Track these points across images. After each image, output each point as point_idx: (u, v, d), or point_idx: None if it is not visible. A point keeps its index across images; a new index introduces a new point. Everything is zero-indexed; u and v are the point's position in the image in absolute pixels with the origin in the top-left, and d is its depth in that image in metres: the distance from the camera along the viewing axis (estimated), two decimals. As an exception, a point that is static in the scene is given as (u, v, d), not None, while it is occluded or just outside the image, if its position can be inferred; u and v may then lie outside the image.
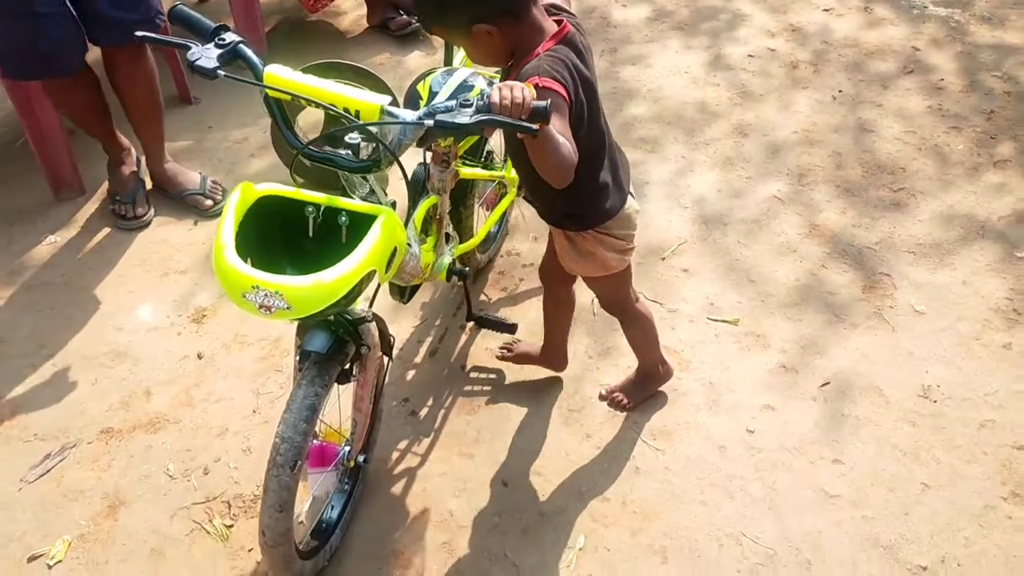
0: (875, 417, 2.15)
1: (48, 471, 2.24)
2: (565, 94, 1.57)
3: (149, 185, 3.09)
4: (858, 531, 1.93)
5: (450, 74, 2.00)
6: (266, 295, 1.42)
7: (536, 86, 1.52)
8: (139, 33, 1.61)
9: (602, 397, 2.27)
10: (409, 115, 1.49)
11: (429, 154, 2.04)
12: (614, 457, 2.14)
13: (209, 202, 2.98)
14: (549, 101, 1.41)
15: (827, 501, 1.99)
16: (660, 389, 2.25)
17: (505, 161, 2.47)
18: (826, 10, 3.59)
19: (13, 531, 2.10)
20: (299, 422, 1.62)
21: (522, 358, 2.35)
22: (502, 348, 2.38)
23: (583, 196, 1.83)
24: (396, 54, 3.64)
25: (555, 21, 1.70)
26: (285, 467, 1.61)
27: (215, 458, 2.24)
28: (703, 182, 2.86)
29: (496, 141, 2.45)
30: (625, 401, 2.24)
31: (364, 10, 3.81)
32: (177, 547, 2.06)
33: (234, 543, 2.05)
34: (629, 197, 1.91)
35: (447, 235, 2.21)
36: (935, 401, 2.17)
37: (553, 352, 2.29)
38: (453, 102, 1.40)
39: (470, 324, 2.48)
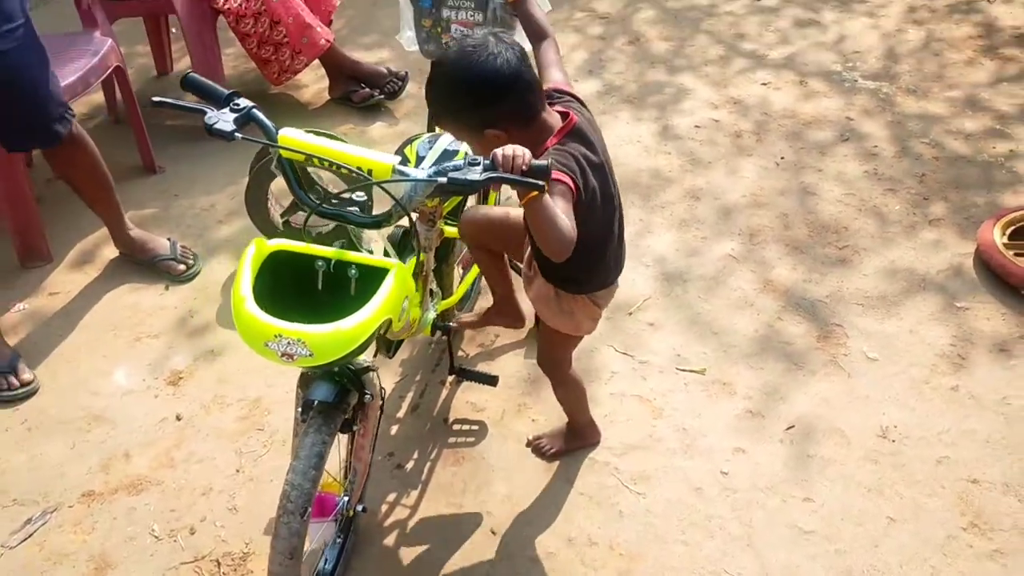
0: (839, 457, 2.28)
1: (30, 535, 2.21)
2: (572, 184, 1.69)
3: (115, 254, 3.11)
4: (832, 564, 2.04)
5: (434, 140, 2.12)
6: (288, 343, 1.48)
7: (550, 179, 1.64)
8: (155, 99, 1.68)
9: (529, 443, 2.36)
10: (421, 173, 1.59)
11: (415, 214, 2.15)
12: (598, 503, 2.21)
13: (182, 267, 3.01)
14: (550, 160, 1.54)
15: (801, 537, 2.10)
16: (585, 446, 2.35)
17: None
18: (764, 84, 3.85)
19: (-5, 599, 2.07)
20: (308, 469, 1.67)
21: (482, 319, 2.47)
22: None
23: (591, 264, 1.96)
24: (359, 125, 3.76)
25: (560, 112, 1.83)
26: (295, 514, 1.65)
27: (201, 517, 2.24)
28: (662, 242, 3.02)
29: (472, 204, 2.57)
30: (549, 448, 2.33)
31: (326, 83, 3.93)
32: (167, 607, 2.05)
33: (226, 601, 2.05)
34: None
35: (431, 291, 2.30)
36: (893, 440, 2.31)
37: (506, 308, 2.38)
38: (465, 161, 1.51)
39: (450, 378, 2.55)
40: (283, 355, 1.49)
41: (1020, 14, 4.19)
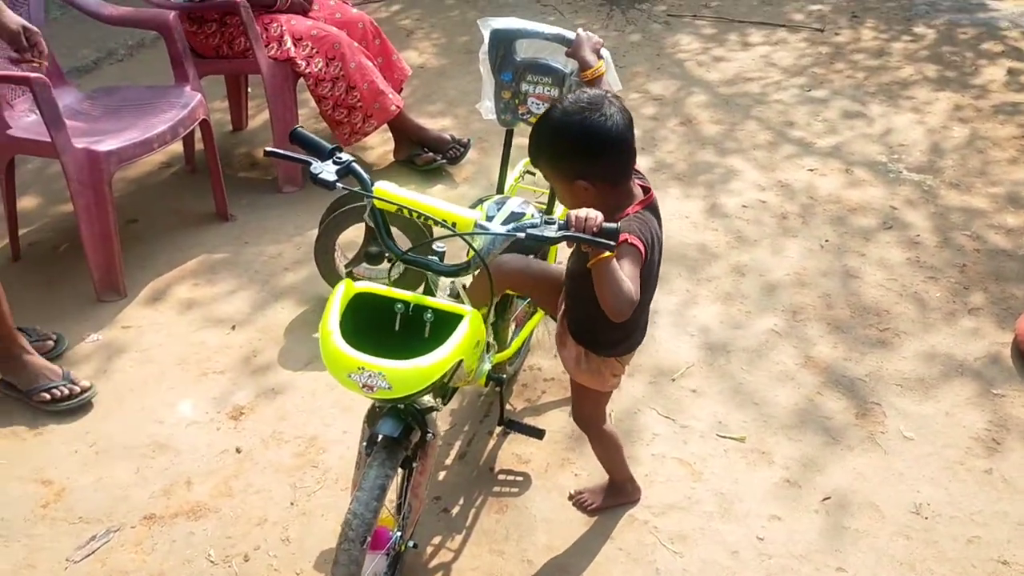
0: (873, 530, 2.34)
1: (93, 552, 2.33)
2: (643, 250, 1.85)
3: (188, 294, 3.30)
4: (864, 633, 2.09)
5: (503, 202, 2.28)
6: (370, 375, 1.62)
7: (624, 240, 1.79)
8: (268, 149, 1.86)
9: (571, 496, 2.45)
10: (501, 228, 1.74)
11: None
12: (636, 559, 2.29)
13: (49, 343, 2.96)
14: (619, 225, 1.68)
15: (834, 605, 2.16)
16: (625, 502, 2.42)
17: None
18: (811, 170, 3.99)
19: (59, 608, 2.18)
20: (371, 500, 1.78)
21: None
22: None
23: (628, 329, 2.10)
24: (421, 186, 3.95)
25: (642, 187, 1.99)
26: (356, 542, 1.76)
27: (255, 546, 2.35)
28: (707, 313, 3.14)
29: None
30: (590, 503, 2.41)
31: (391, 146, 4.15)
32: (220, 628, 2.15)
33: (275, 626, 2.15)
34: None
35: (488, 344, 2.44)
36: (926, 518, 2.37)
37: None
38: (539, 219, 1.66)
39: (498, 429, 2.66)
40: (364, 386, 1.63)
41: (1064, 117, 4.32)
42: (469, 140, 4.09)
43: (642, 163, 4.04)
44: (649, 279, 1.98)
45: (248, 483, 2.54)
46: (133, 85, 3.97)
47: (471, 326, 1.74)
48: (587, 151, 1.84)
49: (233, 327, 3.16)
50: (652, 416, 2.73)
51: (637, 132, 4.24)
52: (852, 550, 2.29)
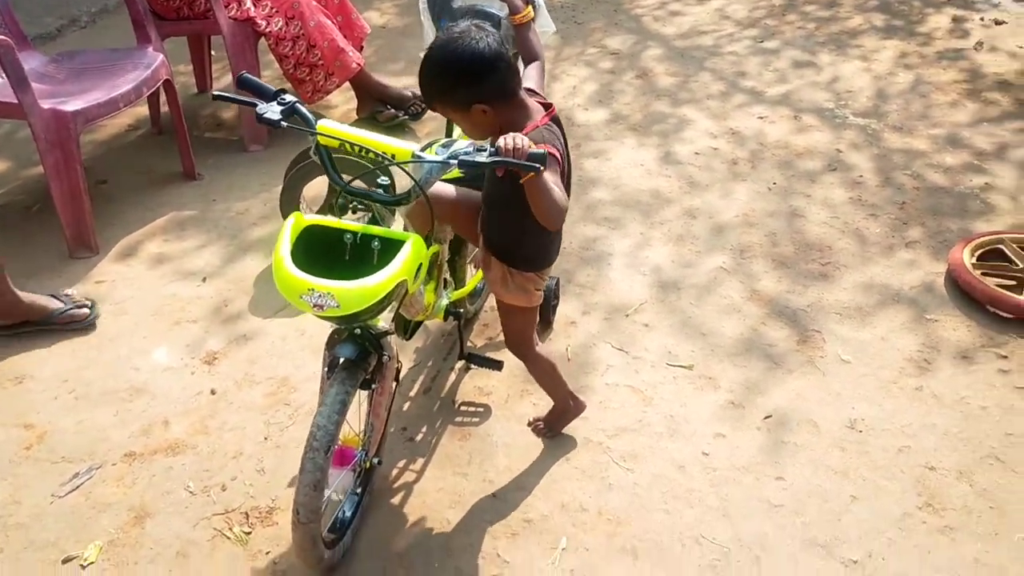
0: (810, 444, 2.52)
1: (77, 487, 2.46)
2: (559, 157, 1.98)
3: (158, 248, 3.39)
4: (799, 533, 2.27)
5: (451, 143, 2.40)
6: (320, 296, 1.76)
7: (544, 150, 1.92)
8: (215, 93, 1.98)
9: (529, 423, 2.61)
10: (436, 157, 1.87)
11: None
12: (590, 476, 2.45)
13: (84, 311, 3.04)
14: (545, 150, 1.81)
15: (772, 510, 2.33)
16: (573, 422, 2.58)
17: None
18: (761, 118, 4.13)
19: (47, 538, 2.31)
20: (332, 414, 1.92)
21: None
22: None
23: (543, 244, 2.25)
24: (384, 142, 4.05)
25: (543, 103, 2.12)
26: (320, 450, 1.90)
27: (231, 477, 2.49)
28: (659, 254, 3.29)
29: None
30: (545, 429, 2.58)
31: (355, 103, 4.24)
32: (200, 551, 2.29)
33: (252, 547, 2.29)
34: None
35: (445, 280, 2.57)
36: (860, 431, 2.55)
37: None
38: (471, 147, 1.79)
39: (459, 364, 2.80)
40: (315, 305, 1.77)
41: (1003, 62, 4.47)
42: (430, 96, 4.18)
43: (599, 115, 4.18)
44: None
45: (223, 421, 2.67)
46: (96, 48, 4.03)
47: (413, 249, 1.87)
48: (471, 74, 1.95)
49: (204, 279, 3.27)
50: (607, 349, 2.88)
51: (593, 86, 4.36)
52: (790, 462, 2.46)
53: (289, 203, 3.17)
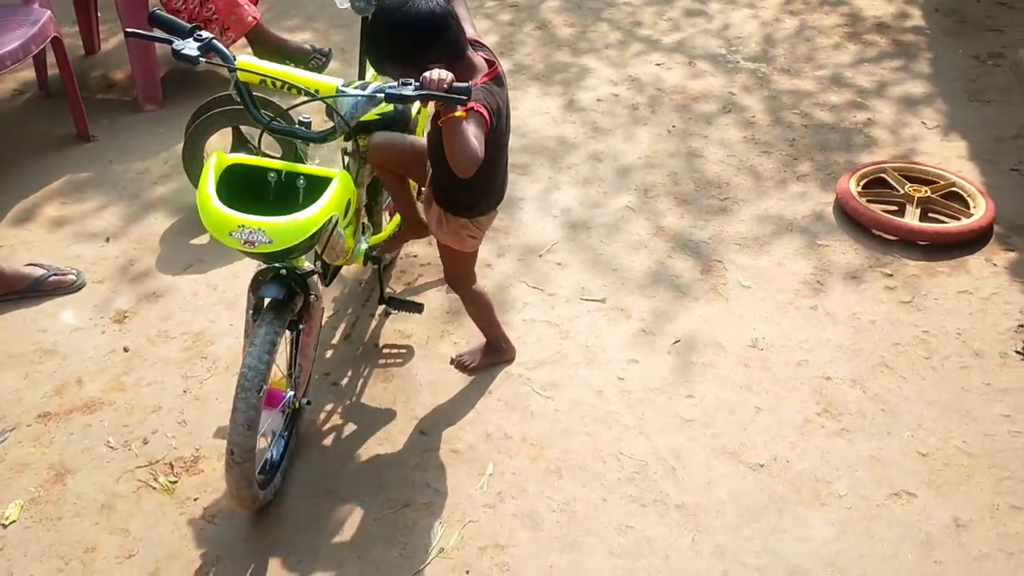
0: (716, 363, 2.66)
1: (-9, 450, 2.40)
2: (488, 116, 2.02)
3: (57, 212, 3.28)
4: (709, 443, 2.41)
5: (366, 85, 2.41)
6: (251, 232, 1.76)
7: (471, 108, 1.95)
8: (129, 30, 1.93)
9: (452, 360, 2.67)
10: (363, 92, 1.89)
11: (347, 158, 2.45)
12: (513, 406, 2.53)
13: (70, 277, 2.98)
14: (471, 83, 1.85)
15: (684, 424, 2.46)
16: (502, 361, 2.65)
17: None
18: (658, 65, 4.25)
19: (-37, 500, 2.26)
20: (262, 354, 1.94)
21: (396, 240, 2.72)
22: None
23: (477, 194, 2.30)
24: (284, 100, 3.99)
25: (487, 60, 2.16)
26: (252, 390, 1.92)
27: (152, 430, 2.47)
28: (568, 197, 3.38)
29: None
30: (470, 363, 2.64)
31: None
32: (126, 502, 2.28)
33: (179, 495, 2.29)
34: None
35: (364, 225, 2.60)
36: (762, 349, 2.70)
37: (411, 223, 2.65)
38: (397, 82, 1.82)
39: (380, 310, 2.84)
40: (245, 242, 1.77)
41: (881, 5, 4.71)
42: (330, 49, 4.15)
43: (502, 66, 4.21)
44: (498, 146, 2.17)
45: (139, 377, 2.64)
46: (-27, 7, 3.83)
47: (340, 184, 1.89)
48: (425, 36, 1.98)
49: (107, 240, 3.19)
50: (523, 288, 2.95)
51: (494, 38, 4.39)
52: (699, 380, 2.60)
53: (192, 158, 3.12)
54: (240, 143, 3.05)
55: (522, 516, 2.23)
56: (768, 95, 3.99)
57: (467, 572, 2.11)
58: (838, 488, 2.29)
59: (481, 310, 2.58)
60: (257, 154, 1.99)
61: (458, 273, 2.51)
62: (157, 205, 3.36)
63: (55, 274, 2.93)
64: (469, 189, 2.19)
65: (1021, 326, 2.75)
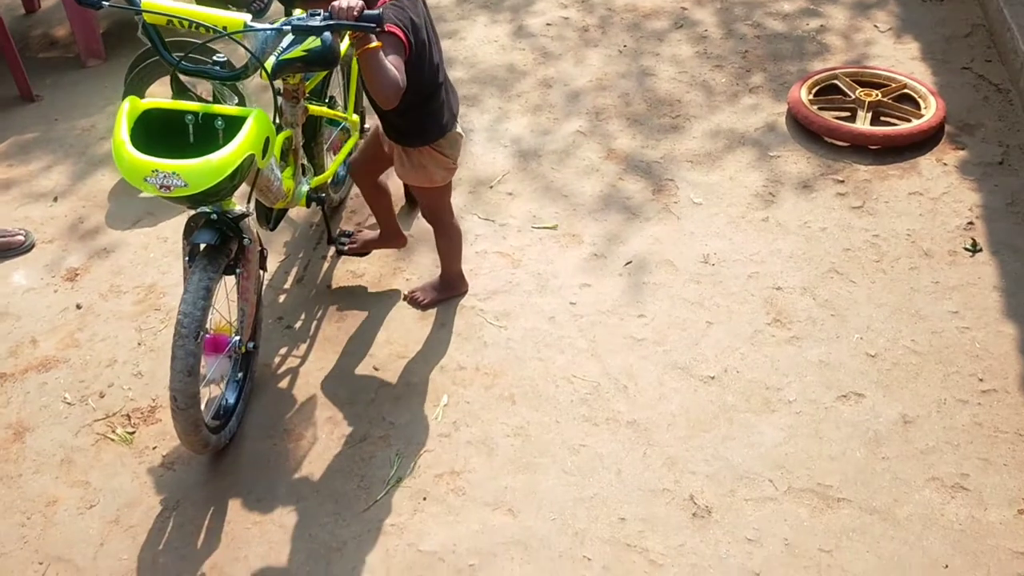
0: (668, 281, 2.67)
1: (-52, 414, 2.41)
2: (404, 37, 1.98)
3: (3, 174, 3.24)
4: (660, 360, 2.43)
5: (290, 22, 2.36)
6: (165, 176, 1.74)
7: (385, 32, 1.92)
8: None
9: (404, 296, 2.67)
10: (269, 25, 1.85)
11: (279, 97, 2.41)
12: (466, 338, 2.54)
13: (19, 237, 2.96)
14: (381, 10, 1.82)
15: (636, 344, 2.48)
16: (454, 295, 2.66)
17: (347, 107, 2.86)
18: (608, -16, 4.17)
19: (-79, 466, 2.27)
20: (197, 300, 1.93)
21: (366, 246, 2.72)
22: (340, 242, 2.72)
23: (422, 117, 2.26)
24: (228, 45, 3.92)
25: None
26: (189, 337, 1.92)
27: (108, 384, 2.48)
28: (518, 125, 3.34)
29: (339, 91, 2.83)
30: (422, 299, 2.64)
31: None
32: (85, 455, 2.30)
33: (138, 444, 2.31)
34: (457, 123, 2.35)
35: (303, 166, 2.57)
36: (713, 264, 2.71)
37: (388, 233, 2.68)
38: (304, 15, 1.78)
39: (331, 252, 2.83)
40: (161, 187, 1.75)
41: (834, -90, 4.61)
42: (271, -9, 4.05)
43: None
44: (424, 61, 2.12)
45: (93, 333, 2.63)
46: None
47: (255, 122, 1.86)
48: None
49: (55, 199, 3.16)
50: (474, 220, 2.94)
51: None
52: (651, 299, 2.61)
53: (133, 110, 3.07)
54: (180, 91, 2.98)
55: (477, 443, 2.26)
56: (720, 7, 3.93)
57: (424, 499, 2.15)
58: (787, 394, 2.31)
59: (452, 244, 2.57)
60: (186, 99, 1.96)
61: (433, 207, 2.50)
62: (105, 161, 3.32)
63: (3, 236, 2.91)
64: (412, 114, 2.15)
65: (970, 223, 2.75)
